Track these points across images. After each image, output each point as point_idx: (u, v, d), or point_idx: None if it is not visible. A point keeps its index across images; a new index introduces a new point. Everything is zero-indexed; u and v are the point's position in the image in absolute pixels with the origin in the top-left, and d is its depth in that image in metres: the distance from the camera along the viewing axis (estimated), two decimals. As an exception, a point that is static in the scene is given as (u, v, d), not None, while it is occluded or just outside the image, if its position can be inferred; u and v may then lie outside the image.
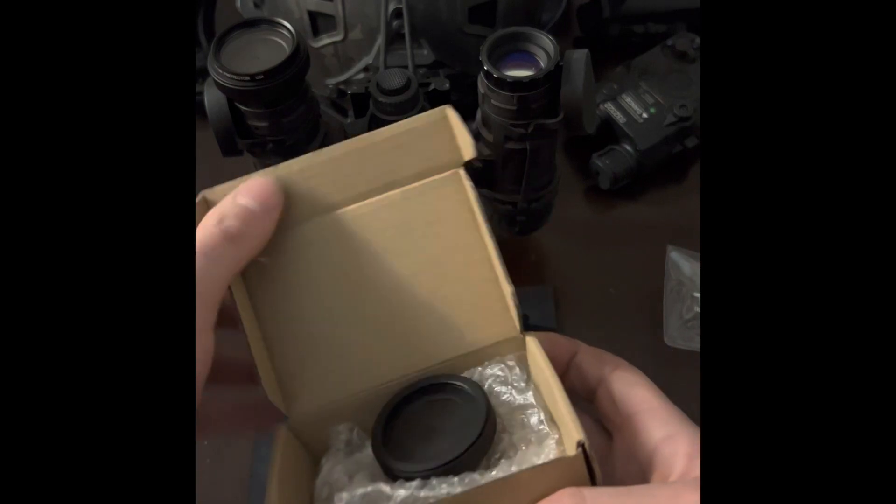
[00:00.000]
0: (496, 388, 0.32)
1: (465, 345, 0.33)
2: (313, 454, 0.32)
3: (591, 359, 0.33)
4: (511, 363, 0.33)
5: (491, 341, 0.33)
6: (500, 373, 0.33)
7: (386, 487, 0.28)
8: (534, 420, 0.31)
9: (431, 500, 0.27)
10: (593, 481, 0.27)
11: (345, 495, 0.29)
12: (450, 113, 0.33)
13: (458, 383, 0.31)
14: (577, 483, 0.26)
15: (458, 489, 0.27)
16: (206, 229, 0.29)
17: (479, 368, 0.33)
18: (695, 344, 0.53)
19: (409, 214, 0.33)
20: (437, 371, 0.33)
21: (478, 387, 0.31)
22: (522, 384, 0.32)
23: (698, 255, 0.56)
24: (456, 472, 0.28)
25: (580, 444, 0.26)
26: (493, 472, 0.28)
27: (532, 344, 0.32)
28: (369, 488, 0.29)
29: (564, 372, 0.34)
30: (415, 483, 0.28)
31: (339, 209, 0.33)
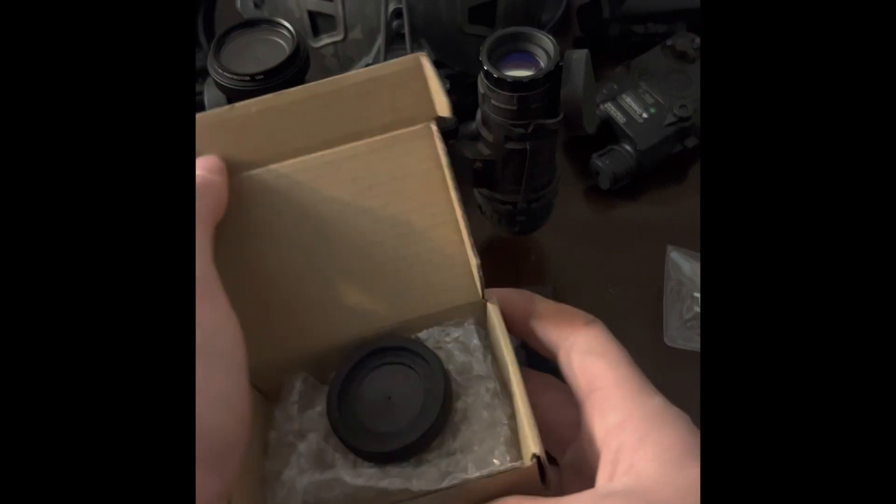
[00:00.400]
0: (454, 353, 0.31)
1: (424, 306, 0.32)
2: (267, 397, 0.31)
3: (547, 324, 0.31)
4: (470, 327, 0.32)
5: (451, 304, 0.32)
6: (457, 336, 0.32)
7: (345, 475, 0.28)
8: (489, 389, 0.30)
9: (391, 490, 0.27)
10: (544, 480, 0.27)
11: (305, 480, 0.28)
12: (424, 62, 0.31)
13: (416, 350, 0.31)
14: (528, 489, 0.26)
15: (415, 482, 0.27)
16: None
17: (438, 328, 0.32)
18: (695, 344, 0.53)
19: (373, 167, 0.32)
20: (393, 330, 0.32)
21: (436, 358, 0.30)
22: (479, 351, 0.31)
23: (698, 255, 0.56)
24: (412, 454, 0.29)
25: (535, 457, 0.26)
26: (449, 469, 0.28)
27: (493, 311, 0.31)
28: (328, 475, 0.28)
29: (524, 334, 0.32)
30: (372, 472, 0.28)
31: (299, 156, 0.31)
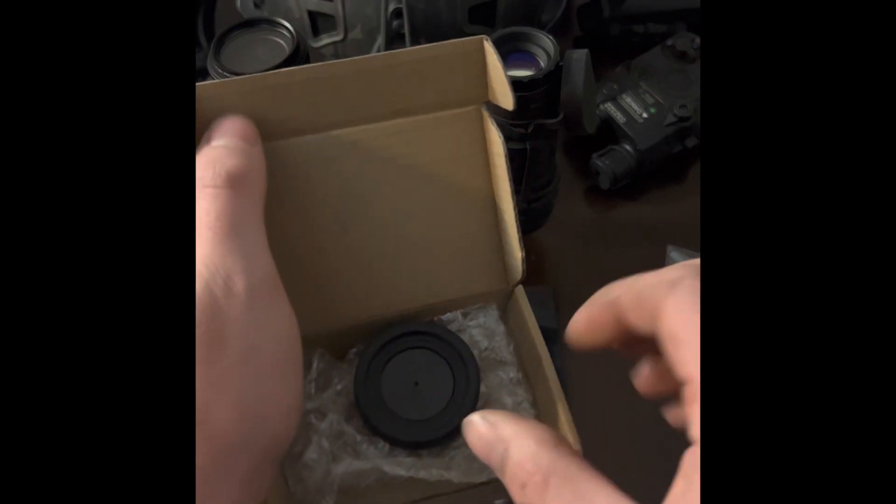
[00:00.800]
0: (476, 338, 0.31)
1: (450, 290, 0.31)
2: None
3: (636, 312, 0.26)
4: (493, 312, 0.32)
5: (477, 291, 0.31)
6: (481, 321, 0.32)
7: (383, 464, 0.28)
8: (511, 376, 0.31)
9: (430, 480, 0.27)
10: None
11: (341, 469, 0.28)
12: (487, 46, 0.29)
13: (443, 335, 0.30)
14: None
15: (454, 473, 0.28)
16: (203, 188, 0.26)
17: (461, 312, 0.32)
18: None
19: (416, 146, 0.30)
20: (417, 311, 0.31)
21: (465, 345, 0.30)
22: (503, 337, 0.31)
23: (698, 255, 0.56)
24: (444, 443, 0.29)
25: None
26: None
27: (520, 297, 0.31)
28: (365, 464, 0.28)
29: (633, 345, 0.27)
30: (410, 461, 0.28)
31: (340, 128, 0.30)
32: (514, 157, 0.46)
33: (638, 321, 0.25)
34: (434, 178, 0.31)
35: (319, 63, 0.29)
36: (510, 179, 0.30)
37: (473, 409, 0.29)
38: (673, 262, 0.56)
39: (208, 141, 0.27)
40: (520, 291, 0.31)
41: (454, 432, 0.29)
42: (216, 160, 0.26)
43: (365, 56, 0.29)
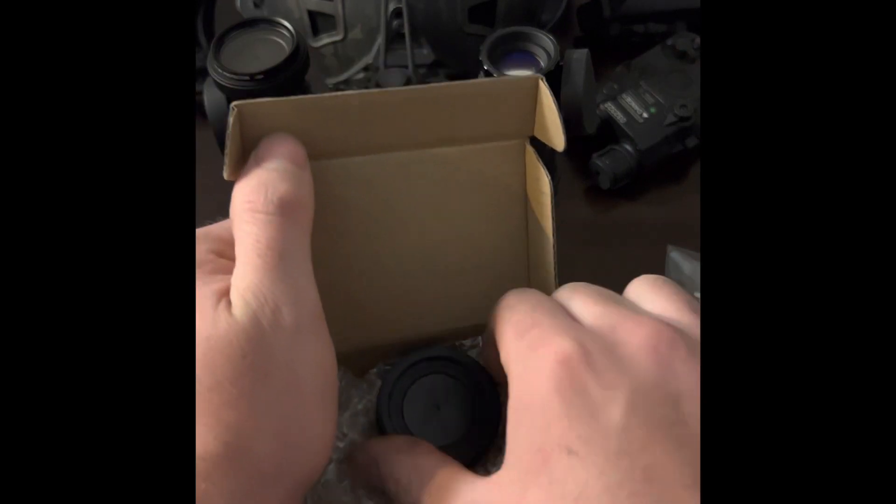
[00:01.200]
0: None
1: (473, 317, 0.31)
2: None
3: None
4: None
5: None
6: None
7: None
8: None
9: None
10: None
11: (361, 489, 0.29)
12: (542, 86, 0.30)
13: (470, 365, 0.31)
14: None
15: None
16: (252, 213, 0.25)
17: (475, 340, 0.32)
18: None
19: (458, 175, 0.31)
20: (441, 336, 0.32)
21: (489, 377, 0.30)
22: None
23: (698, 255, 0.56)
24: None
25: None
26: None
27: None
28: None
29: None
30: None
31: (384, 152, 0.30)
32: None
33: (496, 346, 0.27)
34: (471, 207, 0.31)
35: (375, 90, 0.30)
36: (553, 218, 0.31)
37: (494, 436, 0.29)
38: (673, 262, 0.56)
39: (259, 162, 0.27)
40: None
41: (475, 460, 0.29)
42: (268, 184, 0.26)
43: (421, 86, 0.30)
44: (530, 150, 0.31)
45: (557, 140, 0.30)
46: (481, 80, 0.31)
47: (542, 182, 0.31)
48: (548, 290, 0.31)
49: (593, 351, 0.23)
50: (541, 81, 0.30)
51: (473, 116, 0.30)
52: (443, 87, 0.30)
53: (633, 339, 0.24)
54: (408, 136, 0.30)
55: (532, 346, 0.24)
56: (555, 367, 0.23)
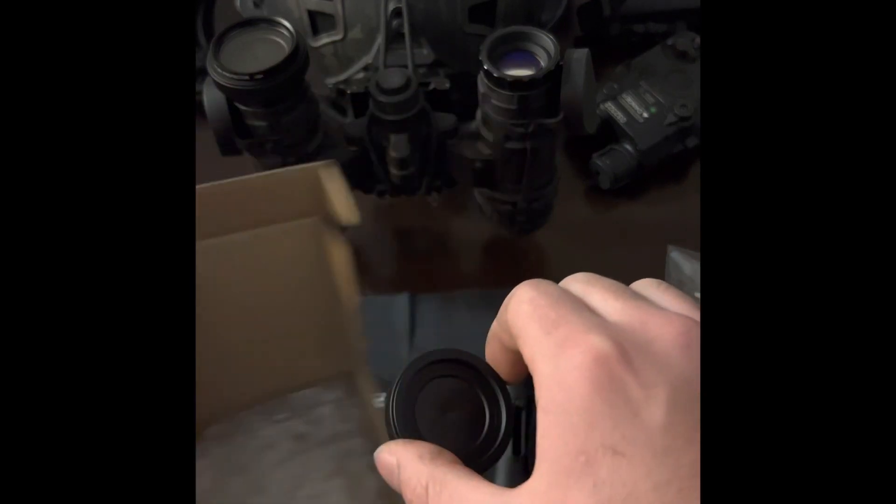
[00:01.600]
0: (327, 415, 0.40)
1: (303, 375, 0.39)
2: None
3: None
4: (340, 393, 0.40)
5: (326, 374, 0.40)
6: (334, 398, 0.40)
7: None
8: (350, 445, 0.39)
9: None
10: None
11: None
12: (324, 174, 0.36)
13: (482, 369, 0.30)
14: None
15: None
16: None
17: (314, 390, 0.40)
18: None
19: (259, 253, 0.38)
20: (282, 391, 0.40)
21: (502, 383, 0.30)
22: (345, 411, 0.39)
23: (698, 255, 0.56)
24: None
25: None
26: None
27: (362, 377, 0.38)
28: None
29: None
30: None
31: (216, 237, 0.37)
32: (514, 157, 0.46)
33: (508, 342, 0.27)
34: (278, 279, 0.38)
35: (217, 182, 0.36)
36: (355, 281, 0.36)
37: (506, 444, 0.29)
38: (673, 262, 0.56)
39: None
40: (362, 374, 0.38)
41: (486, 466, 0.29)
42: None
43: (227, 180, 0.36)
44: (325, 224, 0.37)
45: (348, 214, 0.35)
46: (275, 171, 0.38)
47: (342, 249, 0.36)
48: (358, 342, 0.37)
49: (629, 349, 0.23)
50: (321, 171, 0.36)
51: (269, 201, 0.36)
52: (244, 180, 0.36)
53: (666, 335, 0.24)
54: (227, 223, 0.36)
55: (562, 344, 0.24)
56: (592, 366, 0.23)
